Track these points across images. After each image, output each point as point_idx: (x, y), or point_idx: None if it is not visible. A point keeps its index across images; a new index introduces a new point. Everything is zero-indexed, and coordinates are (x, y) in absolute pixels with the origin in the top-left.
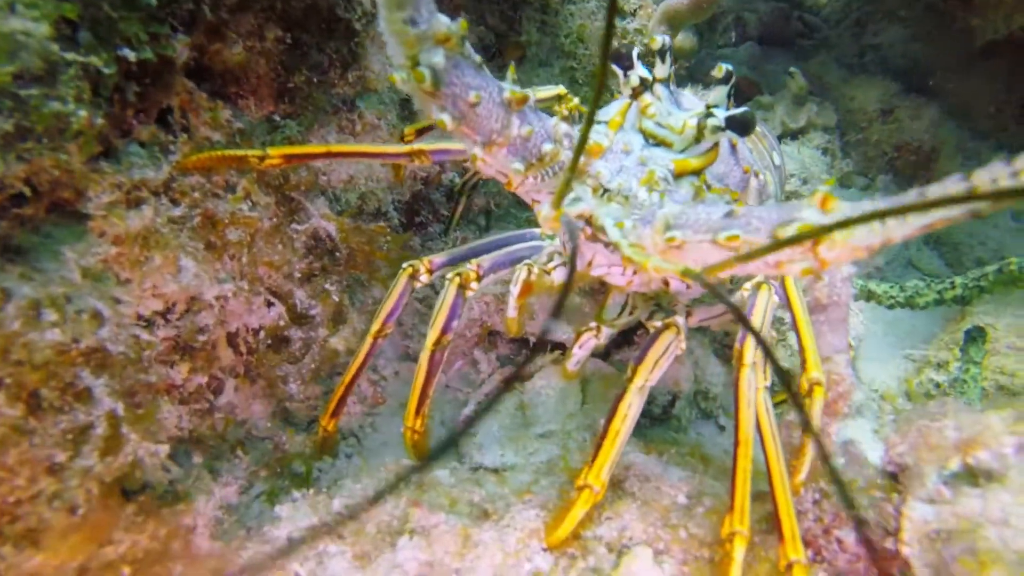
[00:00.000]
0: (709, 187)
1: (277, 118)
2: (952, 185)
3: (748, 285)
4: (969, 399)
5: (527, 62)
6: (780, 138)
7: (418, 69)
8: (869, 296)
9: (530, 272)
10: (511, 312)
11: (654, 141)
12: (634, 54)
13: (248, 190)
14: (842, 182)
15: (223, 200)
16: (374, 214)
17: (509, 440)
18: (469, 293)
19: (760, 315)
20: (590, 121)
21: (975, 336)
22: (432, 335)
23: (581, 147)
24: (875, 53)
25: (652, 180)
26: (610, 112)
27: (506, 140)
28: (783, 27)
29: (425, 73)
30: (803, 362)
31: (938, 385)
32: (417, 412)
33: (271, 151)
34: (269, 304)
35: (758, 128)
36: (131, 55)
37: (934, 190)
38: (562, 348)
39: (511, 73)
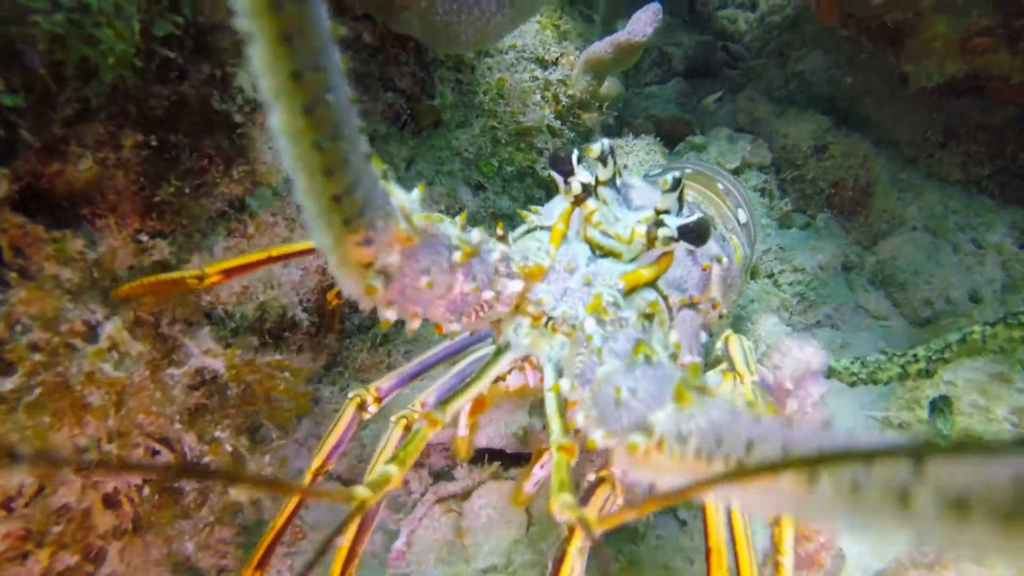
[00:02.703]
0: (658, 316)
1: (144, 238)
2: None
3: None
4: None
5: (444, 126)
6: None
7: (371, 284)
8: (829, 374)
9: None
10: (462, 431)
11: (601, 252)
12: (573, 158)
13: (115, 339)
14: (782, 222)
15: (80, 354)
16: (279, 323)
17: None
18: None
19: (742, 362)
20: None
21: (940, 407)
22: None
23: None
24: (800, 80)
25: (599, 307)
26: (553, 215)
27: (446, 300)
28: (708, 59)
29: (377, 285)
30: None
31: None
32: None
33: (208, 269)
34: (154, 452)
35: (719, 185)
36: None
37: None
38: (502, 459)
39: (461, 221)
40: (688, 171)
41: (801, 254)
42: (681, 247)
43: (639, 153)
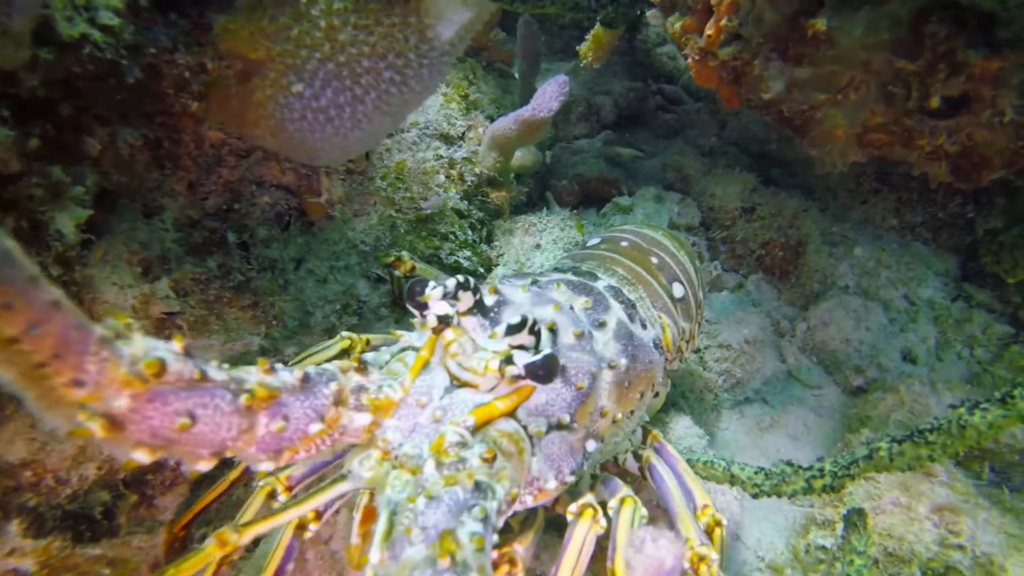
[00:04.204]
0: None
1: None
2: None
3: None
4: None
5: (338, 219)
6: None
7: (83, 427)
8: (732, 481)
9: (372, 498)
10: (354, 539)
11: (458, 383)
12: (430, 291)
13: None
14: (712, 285)
15: None
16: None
17: None
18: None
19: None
20: None
21: (855, 521)
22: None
23: None
24: (730, 129)
25: (441, 449)
26: (423, 340)
27: (250, 441)
28: (641, 106)
29: (93, 427)
30: None
31: (825, 550)
32: None
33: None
34: None
35: (652, 259)
36: None
37: None
38: None
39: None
40: (624, 244)
41: (727, 328)
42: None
43: (553, 231)
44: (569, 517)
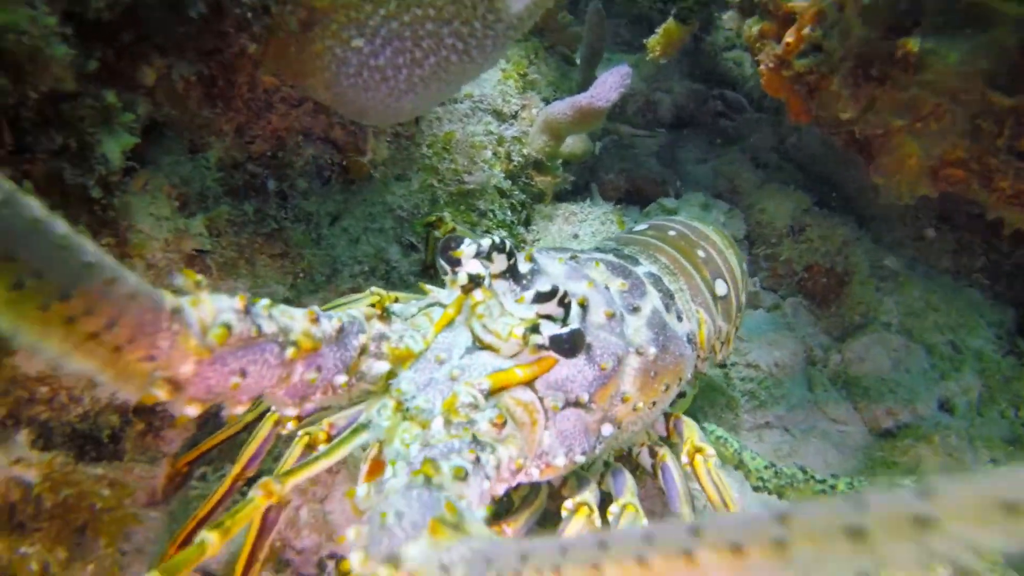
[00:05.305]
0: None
1: None
2: None
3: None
4: None
5: (379, 180)
6: None
7: (150, 393)
8: (739, 465)
9: (381, 449)
10: (360, 491)
11: (480, 345)
12: (464, 247)
13: None
14: (749, 302)
15: None
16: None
17: None
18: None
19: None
20: None
21: None
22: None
23: None
24: (796, 140)
25: (452, 408)
26: (452, 297)
27: (284, 388)
28: (698, 109)
29: (159, 392)
30: None
31: None
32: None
33: None
34: None
35: (699, 252)
36: None
37: None
38: None
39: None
40: (672, 234)
41: (757, 349)
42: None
43: (594, 223)
44: (564, 513)
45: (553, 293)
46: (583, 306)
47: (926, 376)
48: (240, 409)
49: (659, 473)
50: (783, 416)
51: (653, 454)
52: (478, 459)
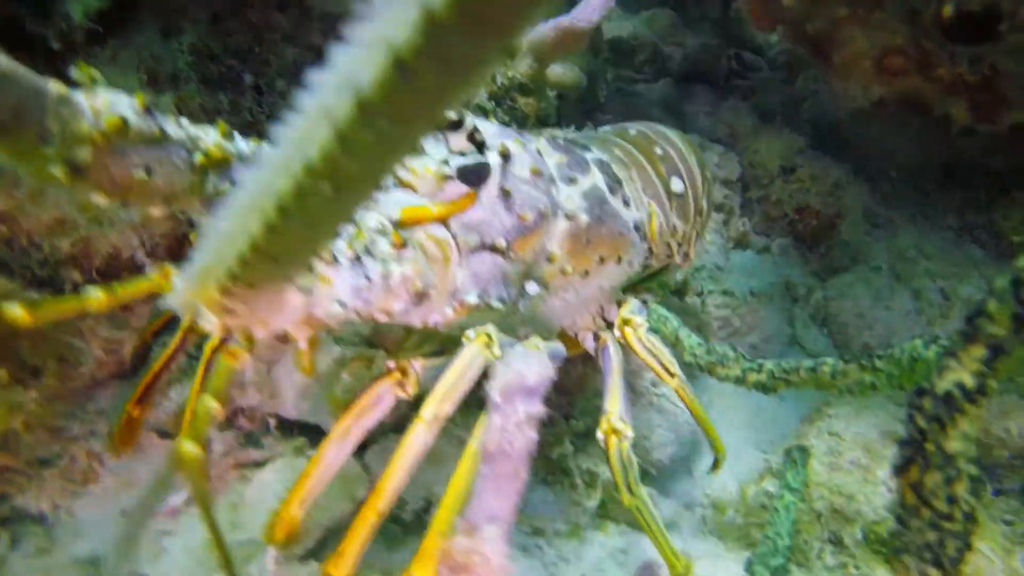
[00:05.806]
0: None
1: None
2: None
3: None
4: (777, 532)
5: None
6: None
7: (48, 172)
8: (675, 343)
9: None
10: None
11: (397, 182)
12: None
13: None
14: (738, 241)
15: None
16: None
17: None
18: None
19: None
20: None
21: (795, 458)
22: None
23: None
24: (814, 101)
25: (358, 232)
26: None
27: (198, 195)
28: (711, 65)
29: (56, 172)
30: None
31: (771, 496)
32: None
33: None
34: None
35: (656, 149)
36: None
37: None
38: (313, 434)
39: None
40: (632, 132)
41: (734, 277)
42: (492, 189)
43: None
44: (464, 341)
45: (460, 123)
46: (504, 156)
47: (908, 318)
48: (158, 212)
49: (599, 355)
50: (757, 346)
51: (596, 339)
52: (358, 258)
